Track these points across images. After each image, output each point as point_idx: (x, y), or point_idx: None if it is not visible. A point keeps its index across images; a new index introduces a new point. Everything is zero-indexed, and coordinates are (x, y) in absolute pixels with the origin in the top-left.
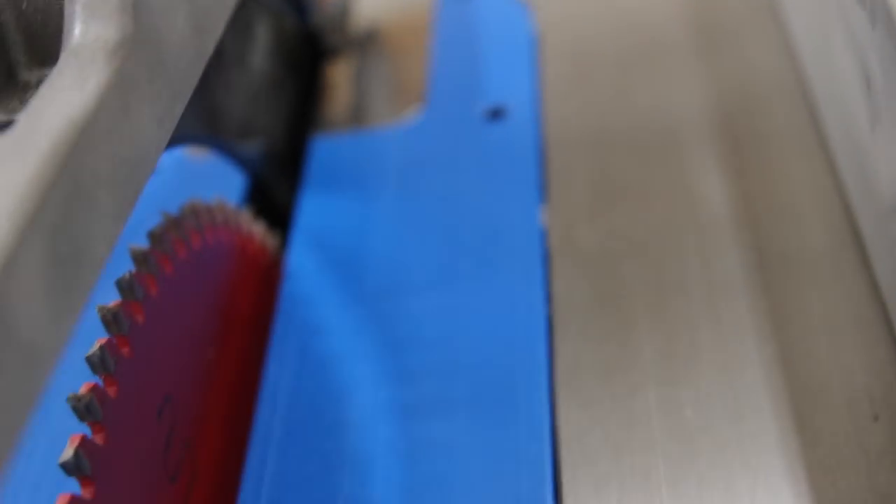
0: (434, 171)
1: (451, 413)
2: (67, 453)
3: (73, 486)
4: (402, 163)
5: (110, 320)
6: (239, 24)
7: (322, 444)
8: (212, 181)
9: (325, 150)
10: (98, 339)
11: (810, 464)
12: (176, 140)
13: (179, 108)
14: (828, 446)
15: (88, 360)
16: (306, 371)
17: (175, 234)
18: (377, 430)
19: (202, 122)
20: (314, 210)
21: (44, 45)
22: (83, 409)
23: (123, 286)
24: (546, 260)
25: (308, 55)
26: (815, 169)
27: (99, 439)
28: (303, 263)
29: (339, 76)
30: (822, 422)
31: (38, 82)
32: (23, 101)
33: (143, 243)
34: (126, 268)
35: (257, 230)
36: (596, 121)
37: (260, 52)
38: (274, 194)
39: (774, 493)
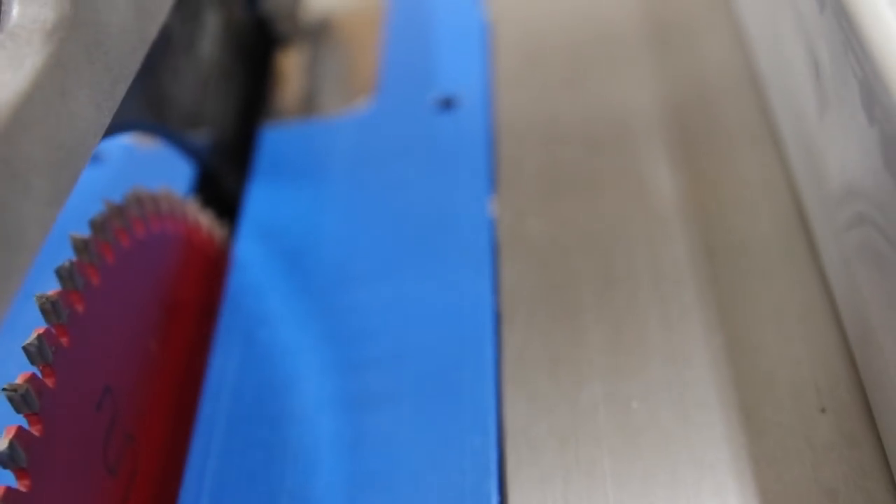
0: (384, 160)
1: (397, 405)
2: (2, 444)
3: (8, 479)
4: (352, 152)
5: (49, 309)
6: (187, 11)
7: (266, 436)
8: (159, 170)
9: (274, 139)
10: (36, 328)
11: (756, 456)
12: (122, 127)
13: (120, 93)
14: (774, 438)
15: (26, 349)
16: (251, 362)
17: (118, 222)
18: (321, 422)
19: (149, 110)
20: (262, 200)
21: None
22: (19, 399)
23: (63, 275)
24: (495, 251)
25: (259, 43)
26: (765, 160)
27: (35, 431)
28: (250, 253)
29: (291, 65)
30: (769, 414)
31: None
32: None
33: (87, 232)
34: (68, 257)
35: (204, 220)
36: (547, 112)
37: (209, 39)
38: (223, 184)
39: (719, 485)
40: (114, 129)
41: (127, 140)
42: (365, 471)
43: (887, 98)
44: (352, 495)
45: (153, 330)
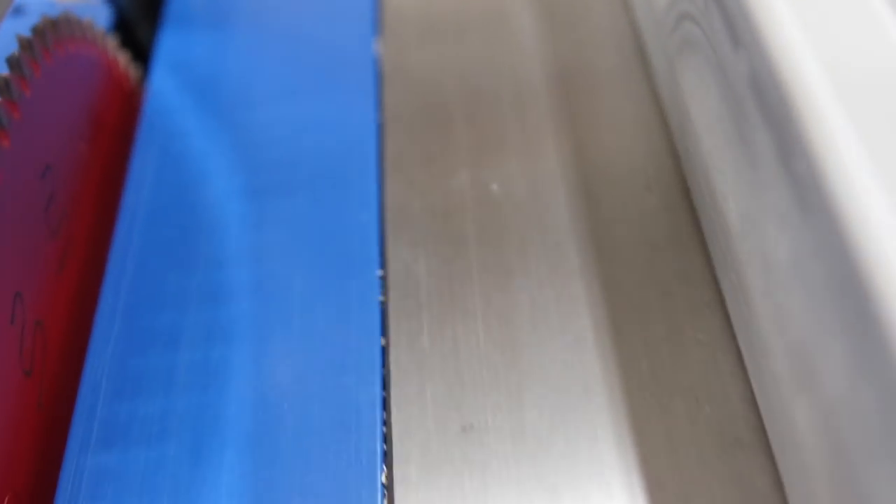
0: (283, 8)
1: (294, 193)
2: None
3: None
4: (255, 1)
5: (2, 86)
6: None
7: (183, 218)
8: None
9: None
10: None
11: (595, 221)
12: None
13: None
14: (608, 207)
15: None
16: (168, 164)
17: (51, 33)
18: (231, 206)
19: None
20: (174, 40)
21: None
22: None
23: (12, 62)
24: (379, 80)
25: None
26: (612, 9)
27: None
28: (164, 83)
29: None
30: (606, 192)
31: None
32: None
33: None
34: None
35: (122, 57)
36: None
37: None
38: (137, 33)
39: (561, 243)
40: None
41: None
42: (268, 243)
43: None
44: (256, 259)
45: (82, 134)
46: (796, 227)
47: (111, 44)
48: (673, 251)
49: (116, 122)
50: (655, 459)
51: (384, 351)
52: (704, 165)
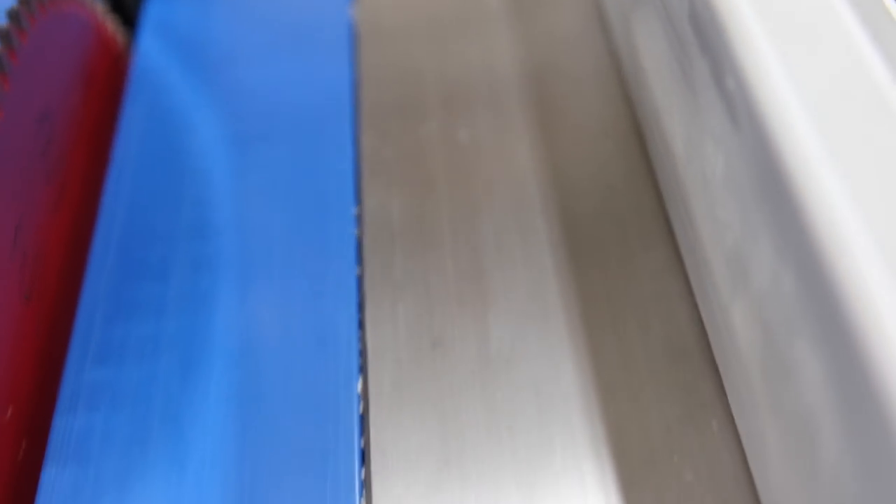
0: None
1: (275, 142)
2: None
3: None
4: None
5: (2, 34)
6: None
7: (170, 165)
8: None
9: None
10: None
11: (556, 164)
12: None
13: None
14: (569, 153)
15: None
16: (156, 116)
17: None
18: (215, 153)
19: None
20: (161, 5)
21: None
22: None
23: (11, 13)
24: (355, 42)
25: None
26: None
27: None
28: (151, 44)
29: None
30: (567, 138)
31: None
32: None
33: None
34: None
35: (110, 21)
36: None
37: None
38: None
39: (524, 184)
40: None
41: None
42: (251, 185)
43: None
44: (240, 200)
45: (75, 88)
46: (729, 142)
47: (100, 8)
48: (627, 190)
49: (106, 80)
50: (608, 369)
51: (359, 280)
52: (655, 109)
